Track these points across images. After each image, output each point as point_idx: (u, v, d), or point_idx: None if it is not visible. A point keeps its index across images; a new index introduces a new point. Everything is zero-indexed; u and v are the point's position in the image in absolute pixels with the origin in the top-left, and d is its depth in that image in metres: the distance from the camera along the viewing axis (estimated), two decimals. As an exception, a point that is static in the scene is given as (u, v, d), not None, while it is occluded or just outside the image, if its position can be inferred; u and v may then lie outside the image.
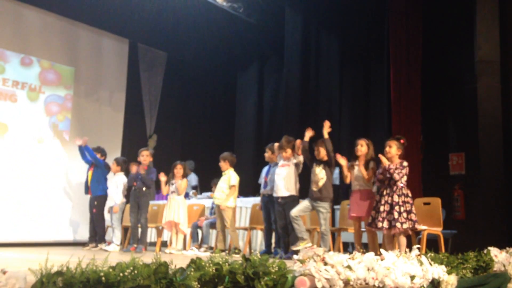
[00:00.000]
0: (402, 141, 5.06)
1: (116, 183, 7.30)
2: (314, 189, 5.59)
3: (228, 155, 6.73)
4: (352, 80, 8.78)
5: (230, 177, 6.56)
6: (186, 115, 10.99)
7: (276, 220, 6.03)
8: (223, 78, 11.22)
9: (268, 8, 9.53)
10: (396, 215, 4.72)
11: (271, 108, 10.29)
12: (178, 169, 6.90)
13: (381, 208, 4.83)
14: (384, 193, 4.88)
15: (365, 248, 5.08)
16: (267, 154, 6.34)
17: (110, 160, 7.59)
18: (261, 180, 6.54)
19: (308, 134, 5.71)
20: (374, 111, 8.37)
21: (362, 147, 5.31)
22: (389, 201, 4.81)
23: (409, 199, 4.80)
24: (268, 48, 10.38)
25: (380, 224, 4.79)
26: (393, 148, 4.98)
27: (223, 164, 6.65)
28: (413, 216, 4.75)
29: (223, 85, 11.28)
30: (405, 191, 4.82)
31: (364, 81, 8.62)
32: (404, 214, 4.73)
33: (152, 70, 10.40)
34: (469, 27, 6.89)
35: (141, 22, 9.14)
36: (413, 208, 4.81)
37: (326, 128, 5.59)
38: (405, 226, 4.71)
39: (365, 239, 5.71)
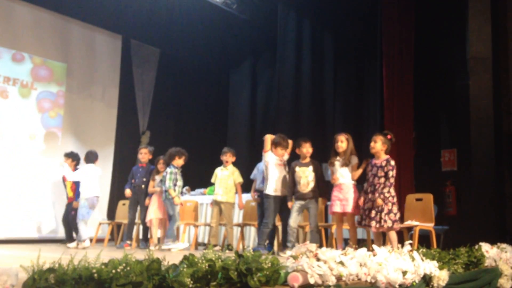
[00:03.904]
0: (389, 136, 5.08)
1: (87, 173, 7.10)
2: (304, 190, 5.61)
3: (231, 149, 6.76)
4: (345, 76, 8.80)
5: (235, 174, 6.61)
6: (179, 112, 10.96)
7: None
8: (216, 74, 11.21)
9: (261, 4, 9.52)
10: (373, 213, 4.83)
11: (264, 104, 10.30)
12: (162, 164, 6.90)
13: (366, 206, 4.95)
14: (368, 190, 4.96)
15: (358, 243, 5.12)
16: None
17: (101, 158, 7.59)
18: (253, 176, 6.56)
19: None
20: (367, 108, 8.40)
21: (343, 143, 5.33)
22: (372, 199, 4.90)
23: (391, 199, 4.83)
24: (261, 44, 10.37)
25: (358, 219, 4.96)
26: (378, 144, 5.00)
27: (230, 158, 6.64)
28: (392, 216, 4.77)
29: (216, 81, 11.26)
30: (386, 190, 4.84)
31: (357, 78, 8.65)
32: (382, 214, 4.79)
33: (145, 66, 10.36)
34: (461, 24, 6.91)
35: (134, 18, 9.10)
36: (394, 208, 4.83)
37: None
38: (378, 225, 4.80)
39: (359, 235, 5.75)
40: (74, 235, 7.34)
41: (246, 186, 8.29)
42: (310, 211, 5.64)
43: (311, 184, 5.59)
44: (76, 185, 7.42)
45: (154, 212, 6.78)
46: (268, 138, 5.99)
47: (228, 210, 6.51)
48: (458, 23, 7.09)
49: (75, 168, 7.51)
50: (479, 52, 6.19)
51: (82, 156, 7.50)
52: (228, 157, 6.64)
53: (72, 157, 7.54)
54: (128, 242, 7.00)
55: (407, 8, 7.52)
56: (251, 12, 9.69)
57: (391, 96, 7.33)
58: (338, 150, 5.35)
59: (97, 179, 7.13)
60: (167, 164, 6.63)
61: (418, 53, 7.45)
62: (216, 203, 6.59)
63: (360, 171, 5.28)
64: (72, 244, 6.91)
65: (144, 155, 7.17)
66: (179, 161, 6.58)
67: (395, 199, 4.86)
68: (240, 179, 6.64)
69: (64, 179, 7.72)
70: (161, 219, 6.80)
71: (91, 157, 7.21)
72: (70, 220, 7.42)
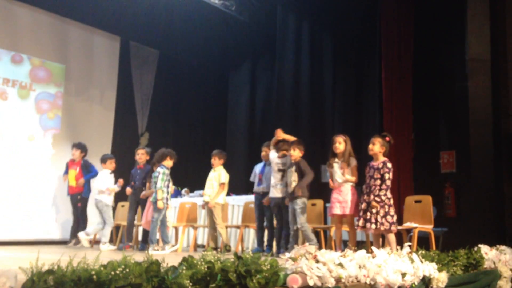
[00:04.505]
0: (387, 138, 5.07)
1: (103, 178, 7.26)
2: (289, 190, 5.65)
3: (220, 152, 6.75)
4: (344, 77, 8.80)
5: (220, 174, 6.56)
6: (178, 113, 10.96)
7: (269, 218, 6.06)
8: (215, 76, 11.21)
9: (260, 6, 9.52)
10: (368, 215, 4.80)
11: (263, 106, 10.29)
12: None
13: (359, 207, 4.97)
14: (364, 192, 4.97)
15: (357, 245, 5.12)
16: (264, 153, 6.36)
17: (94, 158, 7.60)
18: (253, 178, 6.55)
19: None
20: (366, 109, 8.40)
21: (340, 145, 5.33)
22: (367, 200, 4.87)
23: (387, 201, 4.80)
24: (260, 46, 10.37)
25: (356, 223, 4.90)
26: (376, 146, 5.00)
27: (216, 161, 6.64)
28: (389, 218, 4.75)
29: (215, 83, 11.27)
30: (382, 193, 4.82)
31: (356, 79, 8.65)
32: (376, 215, 4.77)
33: (144, 68, 10.36)
34: (460, 25, 6.92)
35: (133, 20, 9.09)
36: (391, 210, 4.80)
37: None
38: (374, 226, 4.77)
39: (359, 237, 5.74)
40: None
41: (244, 187, 8.32)
42: (294, 212, 5.62)
43: (293, 184, 5.61)
44: (83, 176, 7.45)
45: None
46: None
47: (217, 210, 6.48)
48: (457, 25, 7.11)
49: (82, 160, 7.56)
50: (478, 53, 6.19)
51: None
52: (214, 159, 6.65)
53: (81, 148, 7.58)
54: (130, 244, 6.97)
55: (406, 9, 7.53)
56: (250, 14, 9.69)
57: (390, 98, 7.33)
58: (335, 151, 5.36)
59: (99, 181, 7.21)
60: (158, 163, 6.56)
61: (417, 55, 7.45)
62: (206, 204, 6.60)
63: (353, 171, 5.30)
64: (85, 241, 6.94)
65: (141, 155, 7.15)
66: (169, 162, 6.51)
67: (391, 201, 4.85)
68: (222, 180, 6.57)
69: (68, 166, 7.67)
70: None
71: (101, 161, 7.32)
72: (78, 213, 7.48)
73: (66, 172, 7.74)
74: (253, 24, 9.80)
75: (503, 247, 4.43)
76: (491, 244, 4.35)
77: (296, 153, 5.69)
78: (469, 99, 6.20)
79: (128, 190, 7.13)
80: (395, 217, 4.83)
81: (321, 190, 6.88)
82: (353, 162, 5.33)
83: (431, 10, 7.60)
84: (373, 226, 4.77)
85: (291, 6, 9.16)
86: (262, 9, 9.56)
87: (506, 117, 6.19)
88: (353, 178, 5.30)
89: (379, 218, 4.77)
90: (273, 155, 6.03)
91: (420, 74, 7.50)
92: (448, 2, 7.30)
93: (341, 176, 5.31)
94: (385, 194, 4.82)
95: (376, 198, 4.79)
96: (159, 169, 6.45)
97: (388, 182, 4.84)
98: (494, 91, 6.11)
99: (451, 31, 7.43)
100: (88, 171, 7.57)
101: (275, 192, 5.92)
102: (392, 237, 4.81)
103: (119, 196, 7.98)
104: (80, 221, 7.53)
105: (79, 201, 7.45)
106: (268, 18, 9.48)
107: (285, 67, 9.12)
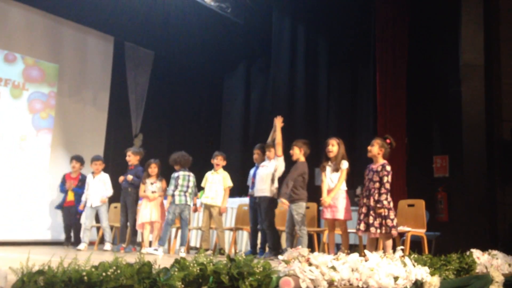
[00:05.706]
0: (388, 140, 5.03)
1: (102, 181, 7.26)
2: (287, 191, 5.64)
3: (223, 153, 6.76)
4: (339, 82, 8.82)
5: (225, 178, 6.56)
6: (172, 115, 10.93)
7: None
8: (210, 78, 11.20)
9: (256, 9, 9.53)
10: (371, 219, 4.72)
11: (258, 109, 10.29)
12: (153, 168, 6.80)
13: (360, 211, 4.88)
14: (364, 195, 4.91)
15: (350, 249, 5.11)
16: (256, 156, 6.35)
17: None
18: (249, 182, 6.55)
19: None
20: (360, 113, 8.42)
21: (333, 147, 5.32)
22: (367, 204, 4.82)
23: (386, 204, 4.71)
24: (255, 49, 10.38)
25: (357, 227, 4.85)
26: (375, 147, 4.93)
27: (221, 162, 6.62)
28: (389, 222, 4.68)
29: (210, 85, 11.25)
30: (383, 197, 4.73)
31: (351, 83, 8.68)
32: (379, 219, 4.72)
33: (139, 69, 10.32)
34: (454, 31, 6.96)
35: (128, 20, 9.06)
36: (391, 213, 4.72)
37: None
38: (378, 231, 4.70)
39: (352, 240, 5.74)
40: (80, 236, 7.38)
41: (238, 190, 8.30)
42: (292, 216, 5.60)
43: (290, 184, 5.58)
44: (76, 191, 7.46)
45: (144, 216, 6.71)
46: None
47: (219, 214, 6.49)
48: (451, 30, 7.15)
49: (80, 175, 7.56)
50: (472, 59, 6.23)
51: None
52: (219, 160, 6.62)
53: (81, 161, 7.63)
54: (123, 245, 6.93)
55: (401, 14, 7.57)
56: (246, 17, 9.69)
57: (384, 102, 7.36)
58: (328, 154, 5.34)
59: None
60: (180, 166, 6.53)
61: (411, 60, 7.48)
62: (206, 207, 6.56)
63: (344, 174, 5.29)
64: (82, 246, 6.89)
65: (128, 157, 7.13)
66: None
67: (391, 205, 4.75)
68: (230, 184, 6.61)
69: (65, 179, 7.61)
70: (153, 222, 6.72)
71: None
72: (73, 224, 7.53)
73: (64, 186, 7.65)
74: (248, 26, 9.81)
75: (495, 252, 4.45)
76: (483, 248, 4.36)
77: (295, 152, 5.68)
78: (462, 104, 6.23)
79: (120, 179, 7.11)
80: (395, 221, 4.73)
81: (314, 193, 6.87)
82: (345, 165, 5.31)
83: (425, 15, 7.64)
84: (378, 230, 4.69)
85: (287, 9, 9.18)
86: (257, 11, 9.56)
87: (499, 122, 6.23)
88: (339, 185, 5.26)
89: (382, 221, 4.70)
90: (282, 162, 5.99)
91: (414, 79, 7.53)
92: (443, 7, 7.34)
93: (332, 180, 5.31)
94: (386, 198, 4.71)
95: (378, 204, 4.70)
96: (191, 173, 6.52)
97: (387, 186, 4.74)
98: (487, 97, 6.15)
99: (445, 36, 7.47)
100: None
101: (266, 192, 5.91)
102: (389, 242, 4.76)
103: (111, 198, 7.92)
104: (77, 229, 7.53)
105: (77, 212, 7.49)
106: (263, 21, 9.49)
107: (280, 70, 9.13)
